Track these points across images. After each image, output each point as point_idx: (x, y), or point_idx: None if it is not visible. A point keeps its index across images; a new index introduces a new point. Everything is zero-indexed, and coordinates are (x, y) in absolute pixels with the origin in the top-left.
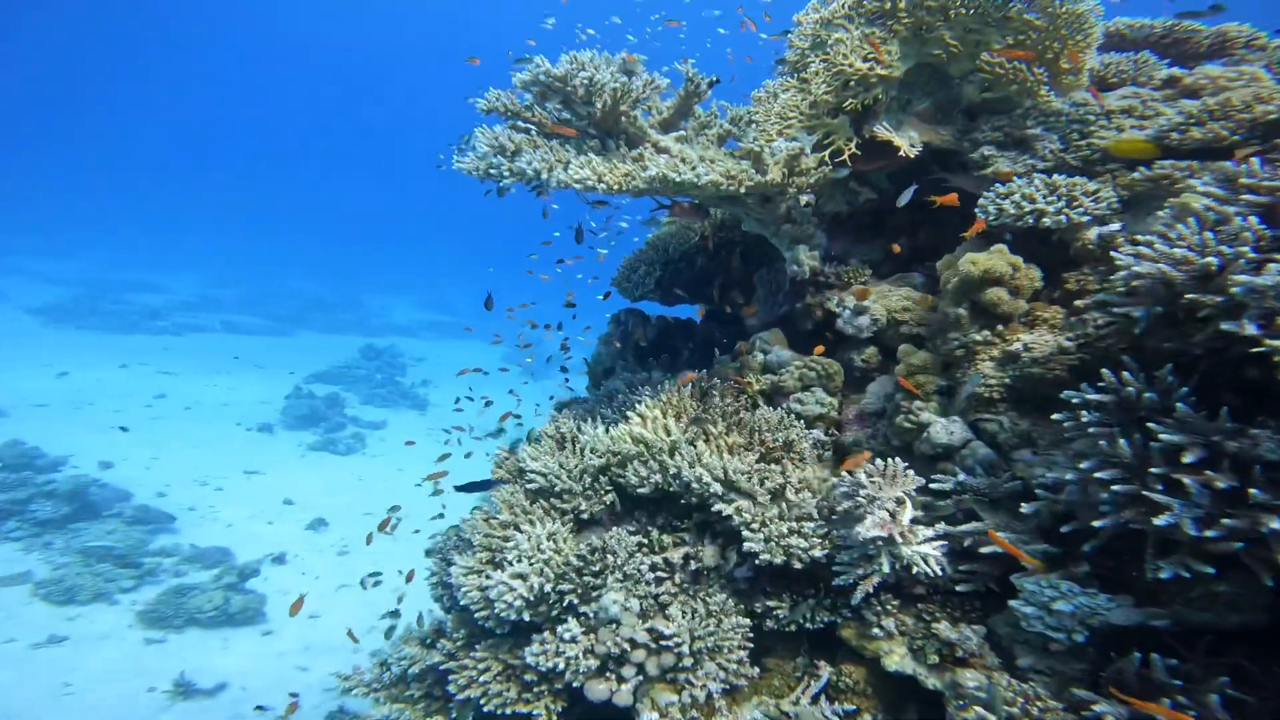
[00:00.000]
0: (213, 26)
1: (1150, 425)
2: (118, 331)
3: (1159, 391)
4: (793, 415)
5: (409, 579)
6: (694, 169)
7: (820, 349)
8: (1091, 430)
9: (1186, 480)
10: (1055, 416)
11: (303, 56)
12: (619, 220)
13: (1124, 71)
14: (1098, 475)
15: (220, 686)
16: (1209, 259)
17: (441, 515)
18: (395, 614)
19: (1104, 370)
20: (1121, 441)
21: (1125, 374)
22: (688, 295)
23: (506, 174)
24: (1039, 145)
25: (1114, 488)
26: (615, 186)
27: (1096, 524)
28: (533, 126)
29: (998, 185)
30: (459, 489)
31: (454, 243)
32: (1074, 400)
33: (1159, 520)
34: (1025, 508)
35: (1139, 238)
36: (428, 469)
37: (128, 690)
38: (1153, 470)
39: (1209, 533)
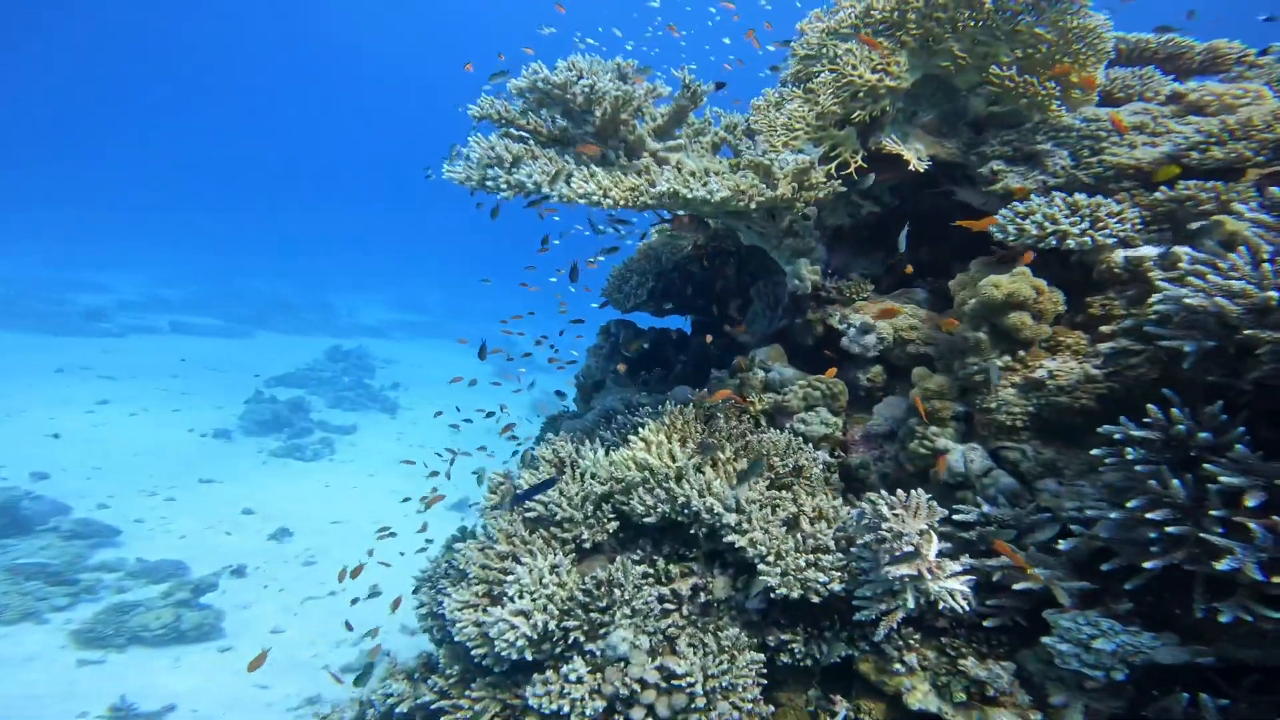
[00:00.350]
0: (190, 19)
1: (1207, 466)
2: (53, 333)
3: (1213, 430)
4: (800, 438)
5: (395, 607)
6: (705, 185)
7: (833, 371)
8: (1139, 468)
9: (1252, 525)
10: (1094, 451)
11: (281, 55)
12: (610, 228)
13: (1130, 87)
14: (1149, 516)
15: (167, 709)
16: (1270, 293)
17: (429, 539)
18: (368, 669)
19: (1150, 406)
20: (1175, 482)
21: (1174, 410)
22: (681, 306)
23: (504, 186)
24: (1049, 161)
25: (1168, 529)
26: (621, 201)
27: (1147, 565)
28: (527, 134)
29: (1016, 204)
30: (519, 498)
31: (426, 241)
32: (1115, 435)
33: (1221, 565)
34: (1063, 545)
35: (1185, 266)
36: (404, 474)
37: (54, 716)
38: (1212, 513)
39: (1277, 578)
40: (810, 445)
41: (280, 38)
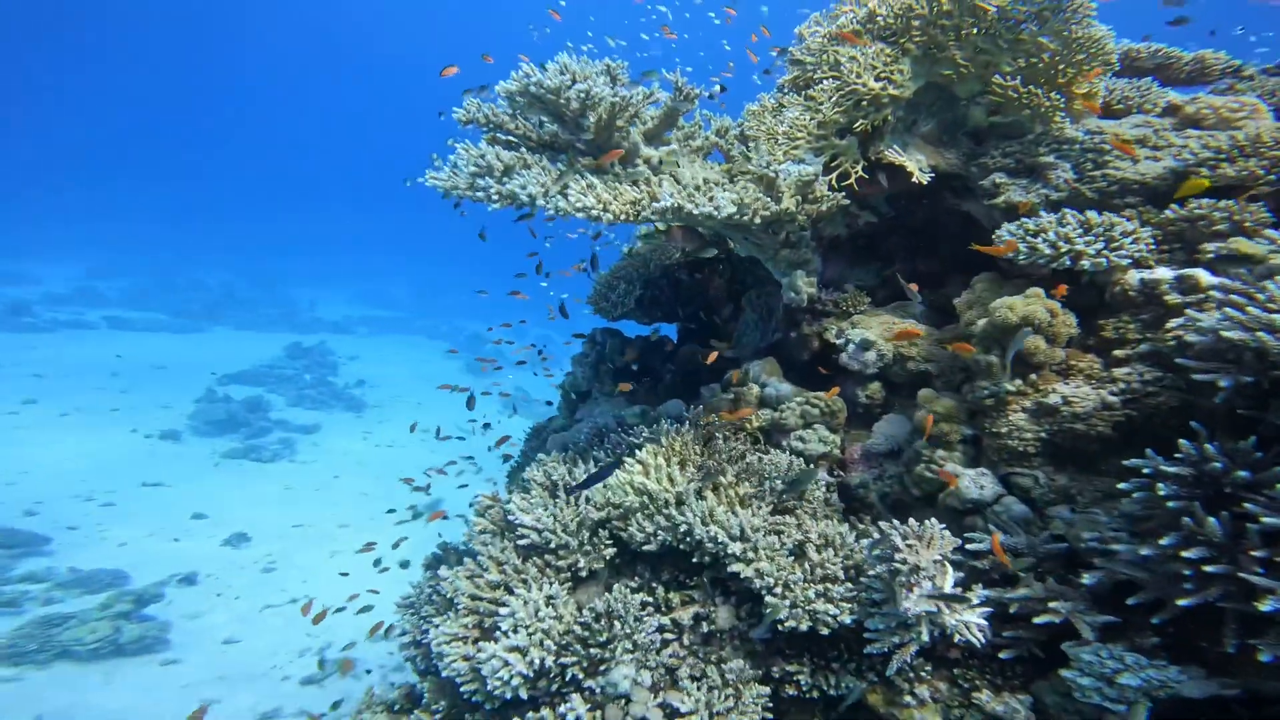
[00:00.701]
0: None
1: (1247, 506)
2: None
3: (1249, 467)
4: (802, 459)
5: (373, 633)
6: (712, 200)
7: (835, 391)
8: (1171, 505)
9: None
10: (1121, 485)
11: (245, 43)
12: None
13: (1128, 98)
14: (1185, 554)
15: None
16: None
17: (404, 561)
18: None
19: (1182, 442)
20: (1212, 521)
21: (1208, 447)
22: (669, 314)
23: (495, 197)
24: (1052, 174)
25: (1206, 569)
26: (621, 216)
27: (1181, 602)
28: (516, 139)
29: (1026, 222)
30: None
31: (390, 233)
32: (1144, 470)
33: (1265, 606)
34: (1087, 578)
35: (1218, 295)
36: (373, 477)
37: None
38: (1253, 554)
39: None
40: (810, 465)
41: (247, 27)
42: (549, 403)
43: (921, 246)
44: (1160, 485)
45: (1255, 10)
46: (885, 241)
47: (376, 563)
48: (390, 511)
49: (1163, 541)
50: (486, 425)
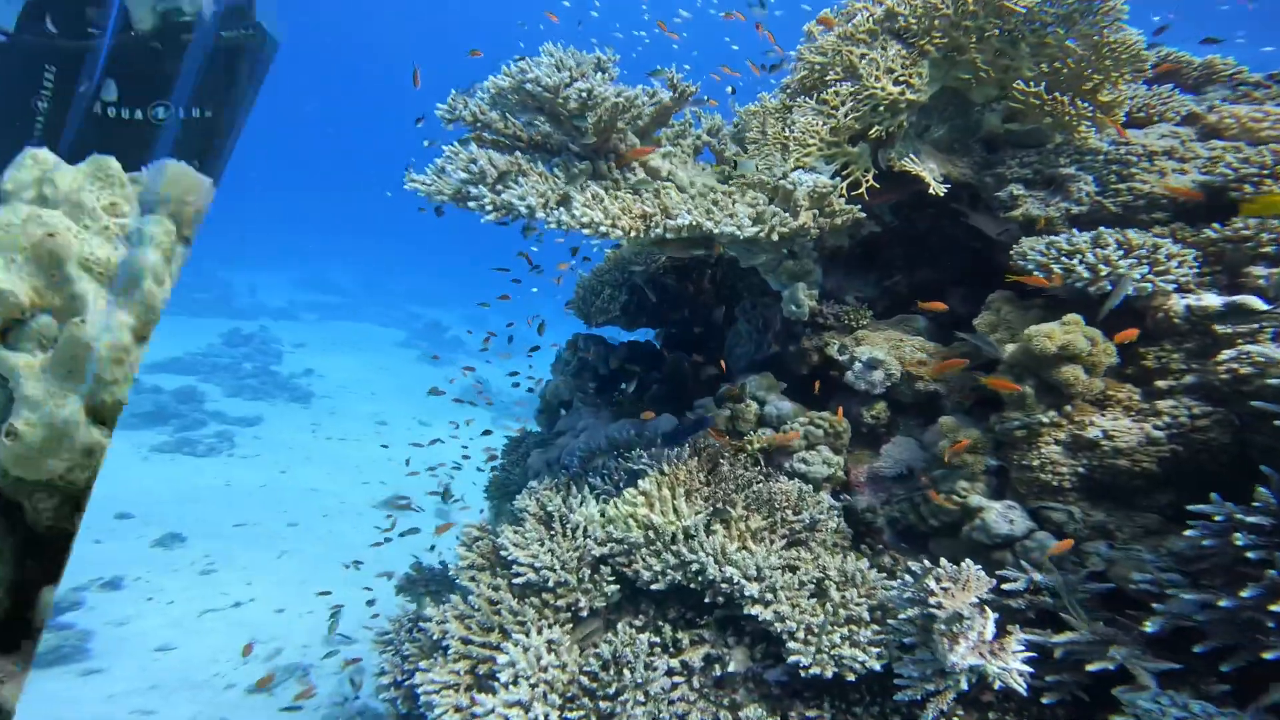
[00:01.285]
0: None
1: None
2: None
3: None
4: (810, 484)
5: (349, 666)
6: (734, 217)
7: (840, 412)
8: (1251, 555)
9: None
10: (1188, 533)
11: None
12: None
13: (1150, 105)
14: (1271, 608)
15: None
16: None
17: (372, 597)
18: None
19: (1260, 489)
20: None
21: None
22: (655, 320)
23: (490, 208)
24: (1073, 187)
25: None
26: (631, 231)
27: (1267, 655)
28: (505, 139)
29: (1058, 240)
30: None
31: (338, 214)
32: (1217, 516)
33: None
34: (1149, 626)
35: None
36: (327, 471)
37: None
38: None
39: None
40: (815, 489)
41: None
42: (539, 412)
43: (922, 257)
44: (1238, 535)
45: (1223, 13)
46: (885, 251)
47: (334, 613)
48: (375, 524)
49: (1244, 594)
50: (486, 431)
